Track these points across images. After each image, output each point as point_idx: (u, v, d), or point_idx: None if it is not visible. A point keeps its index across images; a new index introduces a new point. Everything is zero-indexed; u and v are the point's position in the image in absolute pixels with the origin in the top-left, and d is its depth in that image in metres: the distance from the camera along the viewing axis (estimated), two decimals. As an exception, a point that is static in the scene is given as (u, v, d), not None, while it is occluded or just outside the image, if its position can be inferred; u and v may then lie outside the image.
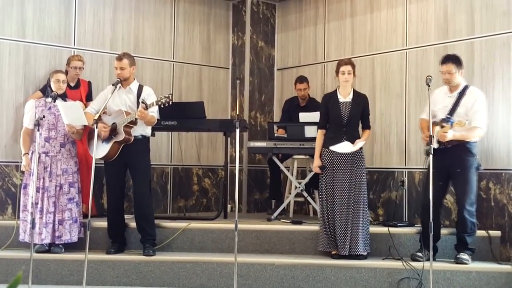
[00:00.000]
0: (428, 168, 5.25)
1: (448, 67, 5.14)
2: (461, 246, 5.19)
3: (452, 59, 5.17)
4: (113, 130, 5.35)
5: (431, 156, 4.74)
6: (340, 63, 5.44)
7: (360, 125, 5.51)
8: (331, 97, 5.50)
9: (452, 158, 5.04)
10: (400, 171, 6.42)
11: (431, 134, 4.83)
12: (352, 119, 5.38)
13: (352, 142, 5.29)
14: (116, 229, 5.55)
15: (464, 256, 5.10)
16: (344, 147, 5.28)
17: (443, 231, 5.37)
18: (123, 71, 5.41)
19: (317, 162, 5.45)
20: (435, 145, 5.12)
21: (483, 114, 5.14)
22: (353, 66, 5.40)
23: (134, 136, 5.38)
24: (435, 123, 5.27)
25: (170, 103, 5.25)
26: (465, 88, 5.21)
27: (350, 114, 5.37)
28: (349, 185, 5.31)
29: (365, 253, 5.29)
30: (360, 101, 5.44)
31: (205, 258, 5.33)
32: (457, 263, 5.09)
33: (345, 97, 5.42)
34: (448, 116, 5.08)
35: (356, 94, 5.48)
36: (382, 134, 6.59)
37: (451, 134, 4.99)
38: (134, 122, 5.34)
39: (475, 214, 5.20)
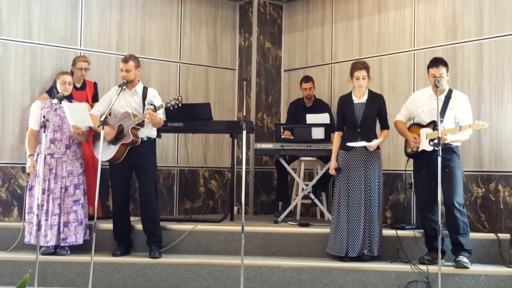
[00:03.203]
0: (417, 171, 5.33)
1: (441, 70, 5.16)
2: (458, 249, 5.13)
3: (443, 62, 5.21)
4: (120, 132, 5.34)
5: (439, 158, 4.69)
6: (354, 67, 5.38)
7: (379, 126, 5.50)
8: (346, 99, 5.49)
9: (441, 159, 5.02)
10: (408, 173, 6.35)
11: (439, 136, 4.80)
12: (366, 120, 5.35)
13: (367, 142, 5.28)
14: (121, 231, 5.53)
15: (464, 259, 5.04)
16: (361, 143, 5.28)
17: (446, 232, 5.29)
18: (128, 74, 5.39)
19: (333, 164, 5.44)
20: (428, 147, 5.11)
21: (471, 116, 5.25)
22: (368, 70, 5.38)
23: (140, 138, 5.36)
24: (419, 125, 5.27)
25: (180, 105, 5.22)
26: (450, 91, 5.27)
27: (364, 116, 5.34)
28: (364, 186, 5.29)
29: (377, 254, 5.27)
30: (375, 102, 5.41)
31: (211, 261, 5.31)
32: (457, 267, 5.01)
33: (359, 98, 5.41)
34: (442, 119, 5.11)
35: (372, 94, 5.45)
36: (390, 135, 6.47)
37: (450, 138, 5.02)
38: (141, 124, 5.32)
39: (466, 214, 5.18)
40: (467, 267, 4.99)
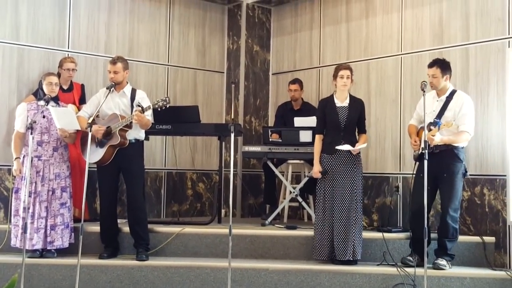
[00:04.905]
0: (417, 174, 5.27)
1: (433, 71, 5.19)
2: (441, 252, 5.19)
3: (438, 63, 5.22)
4: (108, 134, 5.33)
5: (425, 161, 4.72)
6: (339, 67, 5.46)
7: (357, 130, 5.52)
8: (328, 102, 5.51)
9: (440, 163, 5.04)
10: (394, 177, 6.41)
11: (425, 139, 4.84)
12: (350, 123, 5.39)
13: (351, 146, 5.31)
14: (109, 234, 5.52)
15: (442, 261, 5.10)
16: (346, 147, 5.31)
17: (434, 235, 5.33)
18: (116, 75, 5.38)
19: (317, 167, 5.44)
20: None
21: (470, 118, 5.19)
22: (352, 71, 5.43)
23: (128, 140, 5.36)
24: (423, 128, 5.30)
25: (167, 106, 5.23)
26: (453, 92, 5.26)
27: (348, 119, 5.38)
28: (349, 190, 5.32)
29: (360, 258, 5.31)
30: (358, 106, 5.46)
31: (198, 263, 5.30)
32: (434, 268, 5.07)
33: (342, 101, 5.44)
34: (436, 119, 5.12)
35: (353, 99, 5.50)
36: (377, 139, 6.58)
37: (438, 138, 5.04)
38: (129, 126, 5.31)
39: (458, 220, 5.22)
40: (443, 269, 5.05)
